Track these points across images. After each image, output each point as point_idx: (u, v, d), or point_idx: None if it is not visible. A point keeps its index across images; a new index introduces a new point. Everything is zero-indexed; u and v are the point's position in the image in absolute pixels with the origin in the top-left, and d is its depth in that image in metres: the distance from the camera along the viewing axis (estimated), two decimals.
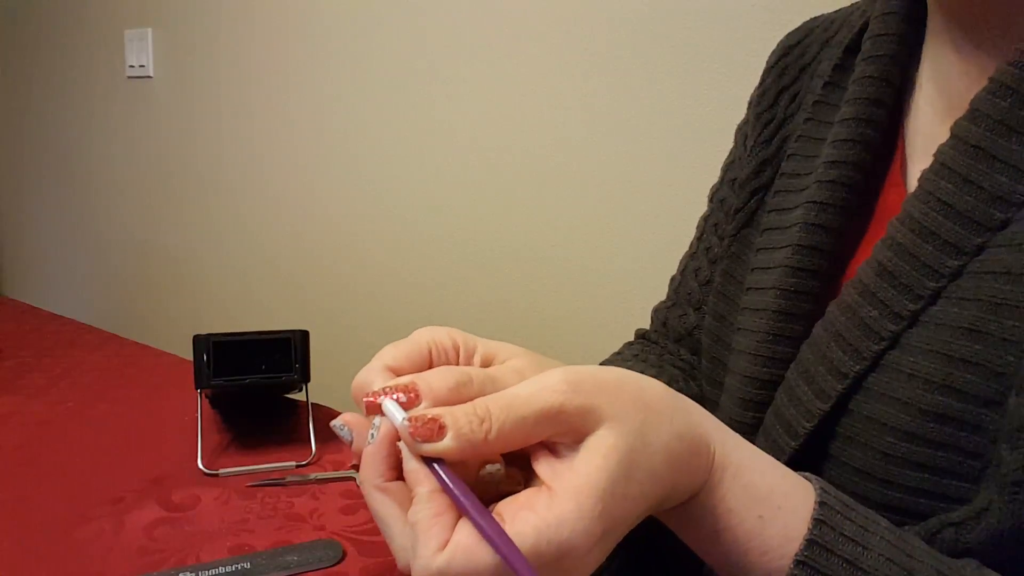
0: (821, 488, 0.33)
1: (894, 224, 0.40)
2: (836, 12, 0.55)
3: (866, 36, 0.47)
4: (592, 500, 0.28)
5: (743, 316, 0.49)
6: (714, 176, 0.62)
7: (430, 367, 0.35)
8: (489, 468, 0.31)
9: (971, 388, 0.35)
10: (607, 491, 0.28)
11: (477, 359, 0.36)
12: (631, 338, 0.67)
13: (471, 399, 0.30)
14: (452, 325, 0.39)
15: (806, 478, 0.34)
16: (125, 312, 2.00)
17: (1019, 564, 0.33)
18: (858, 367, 0.39)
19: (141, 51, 1.79)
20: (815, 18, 0.56)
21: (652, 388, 0.33)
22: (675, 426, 0.32)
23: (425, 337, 0.36)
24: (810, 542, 0.31)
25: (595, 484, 0.28)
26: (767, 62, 0.56)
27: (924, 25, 0.45)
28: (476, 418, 0.29)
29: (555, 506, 0.28)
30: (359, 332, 1.48)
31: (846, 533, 0.31)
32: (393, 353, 0.35)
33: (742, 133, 0.58)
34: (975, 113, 0.37)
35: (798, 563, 0.31)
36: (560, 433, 0.30)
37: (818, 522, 0.31)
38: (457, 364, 0.36)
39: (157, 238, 1.88)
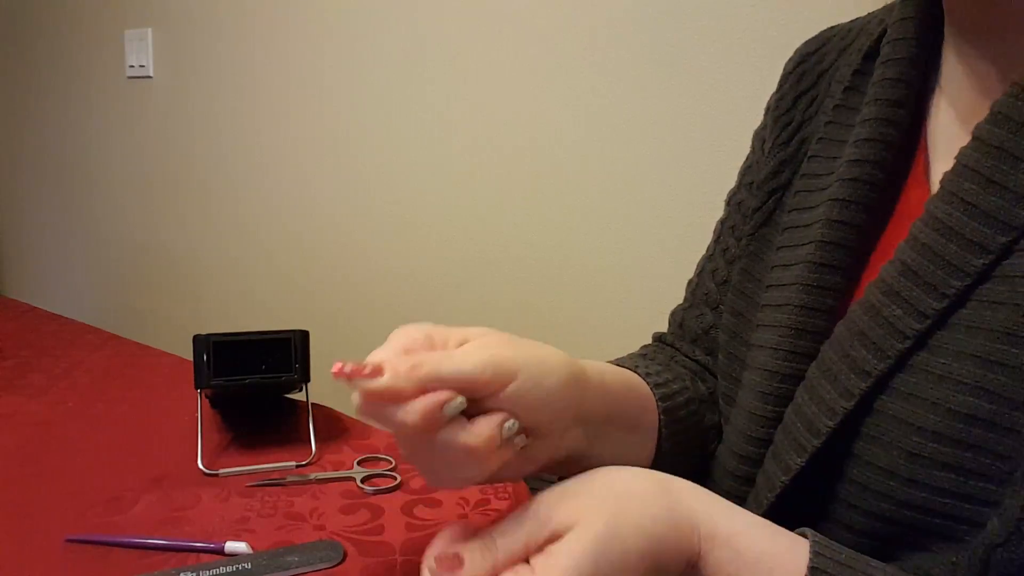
0: (815, 551, 0.35)
1: (917, 225, 0.40)
2: (853, 21, 0.56)
3: (885, 41, 0.48)
4: None
5: (764, 312, 0.49)
6: (717, 176, 0.62)
7: None
8: (509, 424, 0.39)
9: (1005, 391, 0.35)
10: None
11: (452, 346, 0.40)
12: (633, 339, 0.67)
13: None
14: (452, 325, 0.41)
15: (802, 534, 0.36)
16: (125, 312, 2.00)
17: None
18: (882, 366, 0.39)
19: (141, 51, 1.79)
20: (831, 27, 0.58)
21: (622, 479, 0.38)
22: (650, 509, 0.36)
23: (400, 338, 0.40)
24: None
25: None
26: (784, 68, 0.57)
27: (942, 29, 0.46)
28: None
29: None
30: (359, 332, 1.48)
31: None
32: (375, 355, 0.39)
33: (759, 138, 0.59)
34: (997, 116, 0.38)
35: None
36: (531, 531, 0.36)
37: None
38: None
39: (157, 238, 1.88)
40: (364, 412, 0.38)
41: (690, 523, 0.37)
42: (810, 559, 0.34)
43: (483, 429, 0.38)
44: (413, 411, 0.36)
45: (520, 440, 0.40)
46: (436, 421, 0.37)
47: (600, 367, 0.50)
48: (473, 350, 0.39)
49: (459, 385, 0.37)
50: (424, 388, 0.37)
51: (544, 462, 0.44)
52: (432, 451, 0.38)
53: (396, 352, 0.39)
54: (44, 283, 2.29)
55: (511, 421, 0.39)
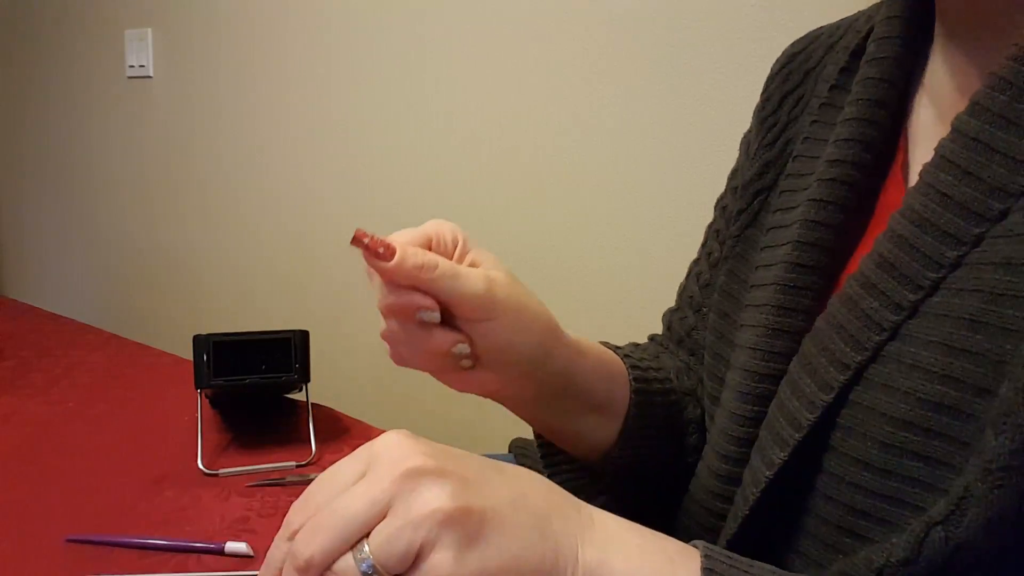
0: (705, 553, 0.34)
1: (895, 217, 0.40)
2: (842, 20, 0.56)
3: (870, 39, 0.48)
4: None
5: (746, 313, 0.50)
6: (715, 177, 0.62)
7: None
8: (460, 347, 0.45)
9: (970, 377, 0.35)
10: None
11: (468, 260, 0.48)
12: (631, 340, 0.68)
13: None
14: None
15: (694, 546, 0.35)
16: (125, 312, 2.00)
17: (1014, 550, 0.33)
18: (859, 358, 0.39)
19: (141, 51, 1.79)
20: (820, 27, 0.57)
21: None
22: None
23: (431, 229, 0.47)
24: None
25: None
26: (771, 70, 0.57)
27: (930, 28, 0.46)
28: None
29: None
30: (359, 332, 1.48)
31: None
32: (402, 235, 0.46)
33: (745, 141, 0.59)
34: (975, 107, 0.38)
35: None
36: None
37: (707, 571, 0.33)
38: (450, 257, 0.47)
39: (157, 238, 1.88)
40: (368, 276, 0.45)
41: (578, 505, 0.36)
42: (702, 560, 0.34)
43: (438, 340, 0.45)
44: (396, 299, 0.44)
45: (466, 362, 0.47)
46: (408, 317, 0.44)
47: (583, 344, 0.54)
48: (474, 281, 0.44)
49: (444, 301, 0.44)
50: (416, 285, 0.43)
51: (489, 391, 0.50)
52: (399, 332, 0.46)
53: (420, 239, 0.46)
54: (44, 283, 2.29)
55: (463, 345, 0.46)
